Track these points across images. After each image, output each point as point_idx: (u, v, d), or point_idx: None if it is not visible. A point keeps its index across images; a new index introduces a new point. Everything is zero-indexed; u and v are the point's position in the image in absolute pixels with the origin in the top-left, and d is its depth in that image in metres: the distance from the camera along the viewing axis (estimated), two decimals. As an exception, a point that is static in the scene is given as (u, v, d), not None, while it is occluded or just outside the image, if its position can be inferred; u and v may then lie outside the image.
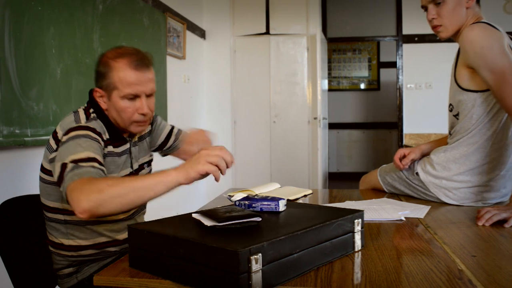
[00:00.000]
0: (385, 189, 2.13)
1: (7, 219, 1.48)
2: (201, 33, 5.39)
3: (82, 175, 1.21)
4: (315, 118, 5.34)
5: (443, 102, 2.59)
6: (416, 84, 5.85)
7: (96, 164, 1.28)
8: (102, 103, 1.50)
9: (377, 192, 2.13)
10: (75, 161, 1.26)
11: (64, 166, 1.26)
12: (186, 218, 1.12)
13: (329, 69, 7.85)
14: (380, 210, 1.64)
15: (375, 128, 8.19)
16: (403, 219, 1.55)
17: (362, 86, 8.23)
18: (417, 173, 1.96)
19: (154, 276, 0.96)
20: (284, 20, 5.46)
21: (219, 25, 5.55)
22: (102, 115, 1.50)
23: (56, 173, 1.30)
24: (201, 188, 5.16)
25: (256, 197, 1.23)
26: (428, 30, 1.94)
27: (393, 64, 7.13)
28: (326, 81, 6.13)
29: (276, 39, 5.47)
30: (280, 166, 5.48)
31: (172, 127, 1.80)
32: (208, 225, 0.97)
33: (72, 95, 2.78)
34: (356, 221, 1.14)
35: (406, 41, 5.88)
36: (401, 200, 1.93)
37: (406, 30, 5.87)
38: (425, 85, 5.80)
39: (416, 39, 5.81)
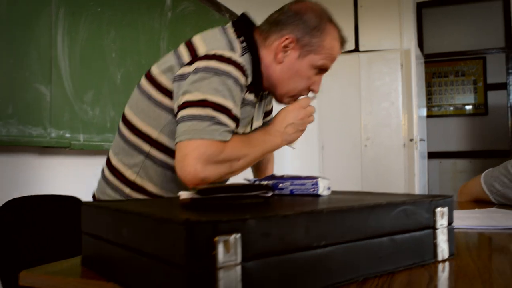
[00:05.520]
0: (493, 200, 1.60)
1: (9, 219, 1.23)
2: (286, 53, 5.12)
3: (204, 136, 1.00)
4: (411, 140, 4.77)
5: None
6: (532, 102, 5.07)
7: (229, 122, 1.05)
8: (280, 55, 1.16)
9: (482, 204, 1.60)
10: (211, 104, 1.03)
11: (196, 103, 1.03)
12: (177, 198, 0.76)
13: (429, 94, 7.14)
14: (486, 219, 1.16)
15: (484, 157, 7.25)
16: (521, 228, 1.06)
17: (467, 111, 7.41)
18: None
19: (97, 276, 0.61)
20: (375, 35, 5.02)
21: (305, 44, 5.23)
22: (255, 55, 1.15)
23: (181, 100, 1.06)
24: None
25: (285, 176, 0.83)
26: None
27: (502, 86, 6.30)
28: (424, 101, 5.52)
29: (367, 56, 5.03)
30: (372, 195, 4.93)
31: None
32: (182, 197, 0.61)
33: (132, 102, 2.59)
34: (438, 210, 0.68)
35: (517, 53, 5.14)
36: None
37: (517, 41, 5.15)
38: (544, 103, 5.00)
39: (530, 50, 5.06)
